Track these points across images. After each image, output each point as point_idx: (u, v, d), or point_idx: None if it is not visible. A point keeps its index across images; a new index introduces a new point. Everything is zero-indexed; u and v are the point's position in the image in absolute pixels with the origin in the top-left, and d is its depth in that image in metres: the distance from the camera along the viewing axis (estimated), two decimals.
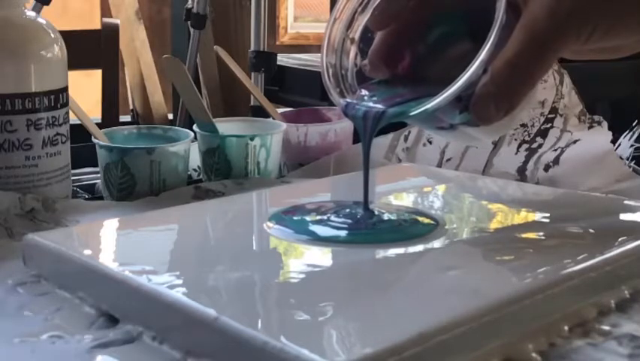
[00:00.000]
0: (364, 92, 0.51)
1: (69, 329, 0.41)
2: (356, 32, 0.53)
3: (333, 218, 0.51)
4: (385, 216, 0.52)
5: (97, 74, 1.49)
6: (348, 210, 0.52)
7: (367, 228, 0.50)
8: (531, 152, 0.75)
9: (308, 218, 0.51)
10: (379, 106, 0.49)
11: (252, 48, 1.53)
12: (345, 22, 0.52)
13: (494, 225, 0.53)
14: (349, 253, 0.46)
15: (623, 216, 0.55)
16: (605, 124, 0.76)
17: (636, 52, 0.48)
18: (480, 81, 0.46)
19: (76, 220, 0.60)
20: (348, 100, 0.50)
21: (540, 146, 0.75)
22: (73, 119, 0.66)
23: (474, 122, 0.47)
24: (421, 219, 0.52)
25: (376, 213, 0.52)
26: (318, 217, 0.51)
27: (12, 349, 0.39)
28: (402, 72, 0.52)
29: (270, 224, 0.50)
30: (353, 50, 0.53)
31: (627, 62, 1.42)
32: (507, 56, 0.45)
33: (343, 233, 0.49)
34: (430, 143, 0.76)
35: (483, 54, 0.44)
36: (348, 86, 0.52)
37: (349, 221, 0.50)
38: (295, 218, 0.51)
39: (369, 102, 0.49)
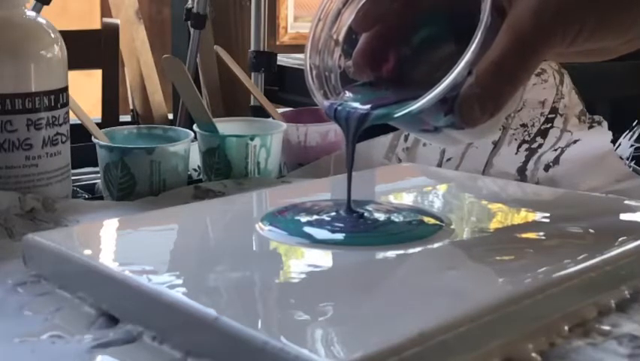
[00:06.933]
0: (348, 93, 0.51)
1: (69, 329, 0.41)
2: (340, 33, 0.52)
3: (330, 220, 0.50)
4: (388, 218, 0.51)
5: (97, 74, 1.49)
6: (342, 211, 0.52)
7: (368, 230, 0.50)
8: (531, 152, 0.75)
9: (302, 220, 0.51)
10: (363, 107, 0.49)
11: (252, 48, 1.53)
12: (329, 23, 0.52)
13: (494, 225, 0.53)
14: (350, 254, 0.46)
15: (623, 216, 0.55)
16: (605, 124, 0.76)
17: (621, 54, 0.48)
18: (465, 83, 0.45)
19: (77, 220, 0.60)
20: (332, 101, 0.50)
21: (540, 146, 0.75)
22: (73, 119, 0.66)
23: (459, 124, 0.47)
24: (427, 219, 0.52)
25: (375, 215, 0.52)
26: (314, 218, 0.51)
27: (12, 349, 0.39)
28: (386, 74, 0.52)
29: (263, 225, 0.50)
30: (337, 52, 0.52)
31: (627, 62, 1.43)
32: (492, 57, 0.45)
33: (341, 236, 0.49)
34: (431, 143, 0.76)
35: (468, 55, 0.44)
36: (332, 88, 0.52)
37: (348, 223, 0.50)
38: (289, 219, 0.51)
39: (353, 104, 0.49)
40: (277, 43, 3.22)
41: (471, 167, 0.75)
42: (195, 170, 0.78)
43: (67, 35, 0.65)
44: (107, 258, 0.47)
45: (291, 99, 1.43)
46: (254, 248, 0.50)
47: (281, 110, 0.87)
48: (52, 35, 0.63)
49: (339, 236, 0.49)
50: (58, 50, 0.63)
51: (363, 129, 0.49)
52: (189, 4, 1.61)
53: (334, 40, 0.52)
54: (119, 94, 1.51)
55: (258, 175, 0.72)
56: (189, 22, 1.60)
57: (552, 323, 0.40)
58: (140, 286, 0.41)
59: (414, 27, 0.52)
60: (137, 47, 1.69)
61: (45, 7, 1.38)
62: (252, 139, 0.71)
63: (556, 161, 0.74)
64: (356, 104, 0.49)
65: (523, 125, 0.76)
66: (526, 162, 0.75)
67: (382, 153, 0.77)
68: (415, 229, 0.50)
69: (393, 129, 0.75)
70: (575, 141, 0.75)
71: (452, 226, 0.50)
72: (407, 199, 0.60)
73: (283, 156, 0.77)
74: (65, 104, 0.64)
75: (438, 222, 0.51)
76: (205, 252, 0.49)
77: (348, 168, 0.51)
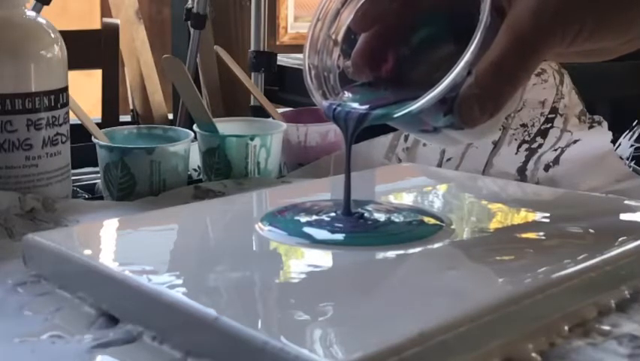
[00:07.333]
0: (347, 94, 0.51)
1: (69, 329, 0.41)
2: (339, 33, 0.52)
3: (330, 220, 0.50)
4: (388, 218, 0.51)
5: (97, 74, 1.49)
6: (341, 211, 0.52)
7: (368, 230, 0.50)
8: (531, 152, 0.75)
9: (302, 220, 0.51)
10: (362, 108, 0.48)
11: (252, 48, 1.53)
12: (328, 23, 0.52)
13: (494, 225, 0.53)
14: (350, 254, 0.46)
15: (623, 216, 0.55)
16: (605, 124, 0.76)
17: (620, 55, 0.48)
18: (464, 83, 0.45)
19: (77, 220, 0.60)
20: (331, 102, 0.50)
21: (540, 146, 0.75)
22: (73, 119, 0.66)
23: (458, 124, 0.47)
24: (427, 219, 0.52)
25: (375, 215, 0.52)
26: (314, 219, 0.51)
27: (12, 349, 0.39)
28: (385, 75, 0.52)
29: (263, 225, 0.50)
30: (336, 52, 0.52)
31: (627, 62, 1.43)
32: (491, 57, 0.45)
33: (341, 236, 0.49)
34: (430, 143, 0.76)
35: (467, 56, 0.44)
36: (331, 88, 0.52)
37: (348, 224, 0.50)
38: (288, 219, 0.51)
39: (352, 104, 0.49)
40: (277, 43, 3.21)
41: (471, 167, 0.75)
42: (195, 170, 0.78)
43: (67, 35, 0.65)
44: (107, 258, 0.47)
45: (291, 99, 1.43)
46: (254, 248, 0.50)
47: (281, 110, 0.87)
48: (52, 35, 0.63)
49: (339, 236, 0.49)
50: (58, 50, 0.63)
51: (363, 129, 0.49)
52: (189, 4, 1.61)
53: (333, 41, 0.52)
54: (119, 94, 1.51)
55: (258, 175, 0.72)
56: (189, 22, 1.60)
57: (552, 323, 0.40)
58: (140, 286, 0.41)
59: (413, 27, 0.52)
60: (137, 47, 1.69)
61: (45, 7, 1.38)
62: (252, 139, 0.71)
63: (556, 161, 0.74)
64: (355, 105, 0.49)
65: (523, 125, 0.76)
66: (526, 162, 0.75)
67: (382, 153, 0.77)
68: (415, 229, 0.50)
69: (394, 129, 0.75)
70: (575, 141, 0.75)
71: (452, 226, 0.50)
72: (407, 199, 0.60)
73: (283, 156, 0.77)
74: (65, 104, 0.64)
75: (438, 223, 0.51)
76: (205, 252, 0.49)
77: (346, 168, 0.51)
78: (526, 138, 0.76)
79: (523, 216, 0.54)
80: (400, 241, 0.47)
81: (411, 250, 0.46)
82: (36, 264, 0.48)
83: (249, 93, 1.37)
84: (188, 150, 0.70)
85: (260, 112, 0.95)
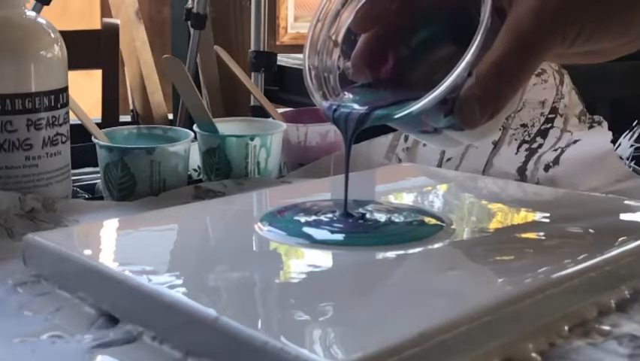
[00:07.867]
0: (347, 94, 0.51)
1: (69, 329, 0.41)
2: (339, 34, 0.52)
3: (329, 221, 0.50)
4: (388, 218, 0.51)
5: (97, 74, 1.49)
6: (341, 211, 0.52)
7: (368, 230, 0.49)
8: (531, 152, 0.75)
9: (302, 220, 0.51)
10: (362, 108, 0.48)
11: (252, 48, 1.53)
12: (328, 24, 0.52)
13: (494, 225, 0.53)
14: (350, 254, 0.46)
15: (623, 216, 0.55)
16: (605, 124, 0.76)
17: (620, 56, 0.48)
18: (465, 84, 0.45)
19: (76, 220, 0.60)
20: (331, 102, 0.50)
21: (540, 146, 0.75)
22: (73, 119, 0.66)
23: (458, 125, 0.47)
24: (427, 220, 0.51)
25: (375, 215, 0.52)
26: (313, 219, 0.51)
27: (12, 349, 0.39)
28: (385, 75, 0.52)
29: (262, 225, 0.50)
30: (336, 52, 0.52)
31: (627, 62, 1.43)
32: (492, 58, 0.45)
33: (341, 236, 0.49)
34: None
35: (468, 56, 0.44)
36: (331, 89, 0.52)
37: (348, 224, 0.50)
38: (288, 219, 0.51)
39: (353, 105, 0.49)
40: (277, 43, 3.22)
41: (471, 167, 0.75)
42: (195, 170, 0.78)
43: (67, 35, 0.65)
44: (107, 258, 0.47)
45: (291, 99, 1.43)
46: (254, 248, 0.50)
47: (281, 110, 0.87)
48: (52, 35, 0.63)
49: (339, 236, 0.49)
50: (58, 50, 0.63)
51: (362, 130, 0.49)
52: (189, 4, 1.61)
53: (333, 41, 0.52)
54: (119, 94, 1.51)
55: (258, 175, 0.72)
56: (189, 22, 1.60)
57: (552, 323, 0.40)
58: (140, 286, 0.41)
59: (413, 28, 0.52)
60: (137, 47, 1.69)
61: (45, 7, 1.38)
62: (252, 139, 0.71)
63: (556, 161, 0.74)
64: (355, 105, 0.49)
65: (523, 125, 0.76)
66: (526, 162, 0.75)
67: (382, 153, 0.77)
68: (415, 229, 0.50)
69: (394, 129, 0.75)
70: (575, 141, 0.75)
71: (452, 226, 0.50)
72: (407, 199, 0.60)
73: (283, 156, 0.77)
74: (65, 104, 0.64)
75: (438, 223, 0.51)
76: (205, 252, 0.49)
77: (345, 168, 0.51)
78: (526, 138, 0.76)
79: (523, 216, 0.54)
80: (400, 242, 0.47)
81: (411, 251, 0.46)
82: (36, 264, 0.48)
83: (248, 93, 1.37)
84: (188, 150, 0.70)
85: (260, 112, 0.95)
